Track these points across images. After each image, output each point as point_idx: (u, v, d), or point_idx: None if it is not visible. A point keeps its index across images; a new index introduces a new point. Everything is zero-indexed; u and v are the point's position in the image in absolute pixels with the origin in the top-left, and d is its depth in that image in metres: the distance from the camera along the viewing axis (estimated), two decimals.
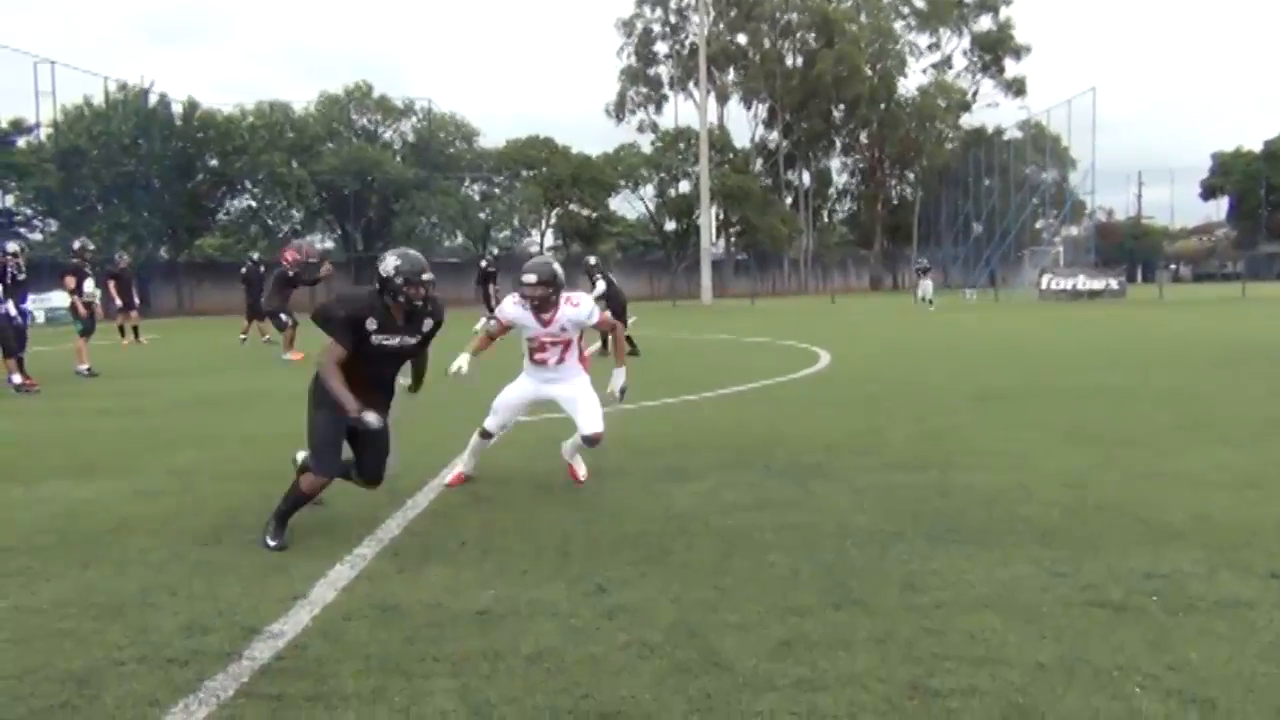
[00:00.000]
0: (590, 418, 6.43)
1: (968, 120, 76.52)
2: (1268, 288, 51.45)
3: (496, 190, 58.74)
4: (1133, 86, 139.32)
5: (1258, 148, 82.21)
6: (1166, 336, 20.78)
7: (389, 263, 5.31)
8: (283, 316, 18.00)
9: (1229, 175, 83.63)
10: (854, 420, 9.53)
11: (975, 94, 76.12)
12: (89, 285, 15.69)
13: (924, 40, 74.83)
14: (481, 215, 56.22)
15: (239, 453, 8.33)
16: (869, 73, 71.47)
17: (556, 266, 6.39)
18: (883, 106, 73.14)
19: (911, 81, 75.55)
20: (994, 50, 74.09)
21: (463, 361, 6.39)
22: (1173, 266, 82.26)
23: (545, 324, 6.37)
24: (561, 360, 6.51)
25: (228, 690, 3.57)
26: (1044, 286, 43.31)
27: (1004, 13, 73.05)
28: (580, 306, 6.39)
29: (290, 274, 18.15)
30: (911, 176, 78.83)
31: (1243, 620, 4.09)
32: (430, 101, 55.71)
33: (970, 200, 66.14)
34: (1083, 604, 4.32)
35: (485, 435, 6.73)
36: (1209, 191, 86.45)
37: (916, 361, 15.97)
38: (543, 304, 6.30)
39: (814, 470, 7.15)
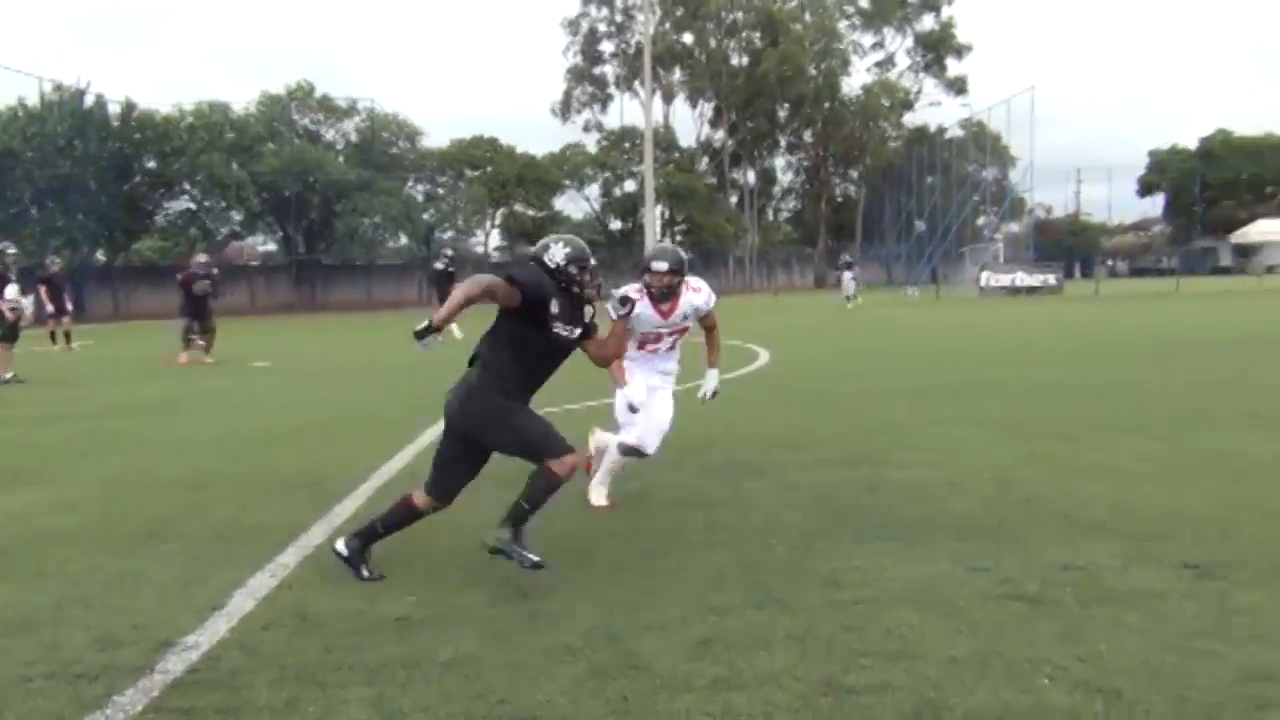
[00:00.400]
0: (652, 435, 6.10)
1: (911, 119, 77.34)
2: (1201, 282, 52.56)
3: (440, 190, 58.33)
4: (1072, 85, 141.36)
5: (1193, 145, 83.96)
6: (1101, 331, 21.14)
7: (556, 251, 4.83)
8: (184, 321, 18.40)
9: (1165, 172, 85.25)
10: (791, 418, 9.59)
11: (918, 93, 76.91)
12: (11, 290, 15.34)
13: (868, 40, 75.50)
14: (425, 216, 55.77)
15: (164, 460, 8.19)
16: (813, 72, 71.89)
17: (683, 253, 6.05)
18: (827, 105, 73.63)
19: (855, 80, 76.12)
20: (936, 50, 74.86)
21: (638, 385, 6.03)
22: (1110, 262, 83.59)
23: (665, 315, 5.98)
24: (672, 347, 6.20)
25: (136, 705, 3.50)
26: (984, 283, 43.88)
27: (946, 12, 73.92)
28: (700, 291, 6.03)
29: (179, 278, 18.58)
30: (855, 175, 79.50)
31: (1153, 611, 4.16)
32: (373, 101, 54.98)
33: (913, 198, 66.80)
34: (1000, 598, 4.37)
35: (630, 452, 6.17)
36: (1145, 188, 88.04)
37: (856, 358, 16.11)
38: (668, 293, 5.90)
39: (747, 469, 7.18)
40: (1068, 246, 74.62)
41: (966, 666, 3.65)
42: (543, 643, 3.99)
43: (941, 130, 72.61)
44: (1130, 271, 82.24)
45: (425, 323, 4.52)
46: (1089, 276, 63.12)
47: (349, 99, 54.13)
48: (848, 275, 37.62)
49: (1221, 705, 3.30)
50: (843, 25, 74.15)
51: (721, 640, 3.96)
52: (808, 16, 72.24)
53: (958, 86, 74.27)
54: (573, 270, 4.82)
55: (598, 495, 6.28)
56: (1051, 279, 43.53)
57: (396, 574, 4.86)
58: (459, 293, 4.51)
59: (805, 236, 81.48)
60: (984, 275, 44.55)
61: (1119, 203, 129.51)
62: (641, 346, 6.13)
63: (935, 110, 75.07)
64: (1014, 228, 68.72)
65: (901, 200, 68.48)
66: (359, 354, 20.38)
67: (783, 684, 3.55)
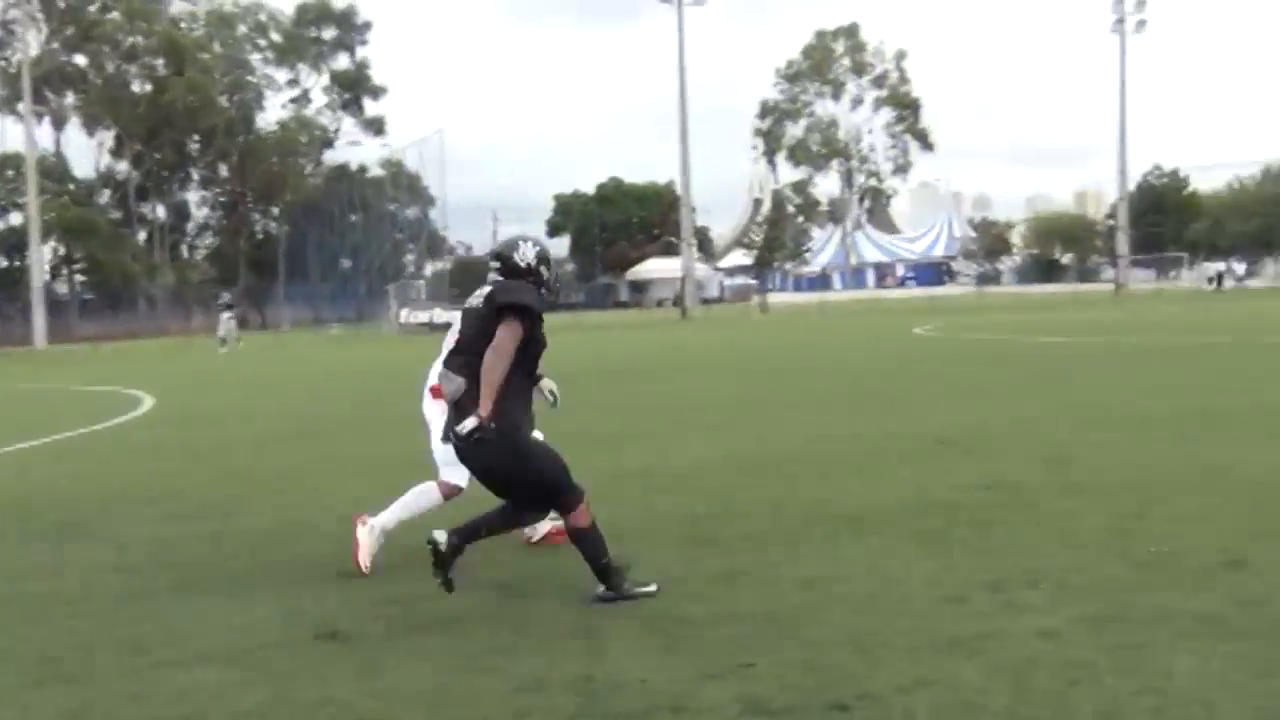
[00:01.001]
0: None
1: (332, 156, 77.00)
2: (602, 315, 57.87)
3: None
4: (488, 130, 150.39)
5: (591, 190, 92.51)
6: None
7: (528, 250, 4.70)
8: None
9: (569, 215, 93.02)
10: (149, 468, 8.96)
11: (337, 131, 76.75)
12: None
13: (283, 75, 74.02)
14: None
15: None
16: (225, 104, 69.17)
17: None
18: (241, 139, 71.11)
19: (272, 115, 74.30)
20: (353, 89, 75.30)
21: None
22: None
23: None
24: None
25: None
26: (403, 320, 44.80)
27: (361, 53, 74.63)
28: None
29: None
30: (277, 211, 77.53)
31: (455, 634, 4.31)
32: None
33: (337, 236, 66.62)
34: (310, 640, 4.30)
35: (453, 493, 5.56)
36: (553, 229, 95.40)
37: (245, 401, 15.58)
38: None
39: (78, 530, 6.54)
40: None
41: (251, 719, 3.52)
42: None
43: (363, 169, 73.25)
44: None
45: (472, 423, 4.27)
46: None
47: None
48: (226, 316, 35.25)
49: (488, 718, 3.47)
50: (256, 58, 72.11)
51: None
52: (217, 46, 69.38)
53: (376, 127, 75.29)
54: (544, 270, 4.69)
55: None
56: None
57: None
58: (494, 374, 4.32)
59: (224, 275, 77.79)
60: (404, 312, 45.49)
61: None
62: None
63: (357, 149, 75.36)
64: (438, 266, 71.05)
65: (326, 238, 68.00)
66: None
67: None
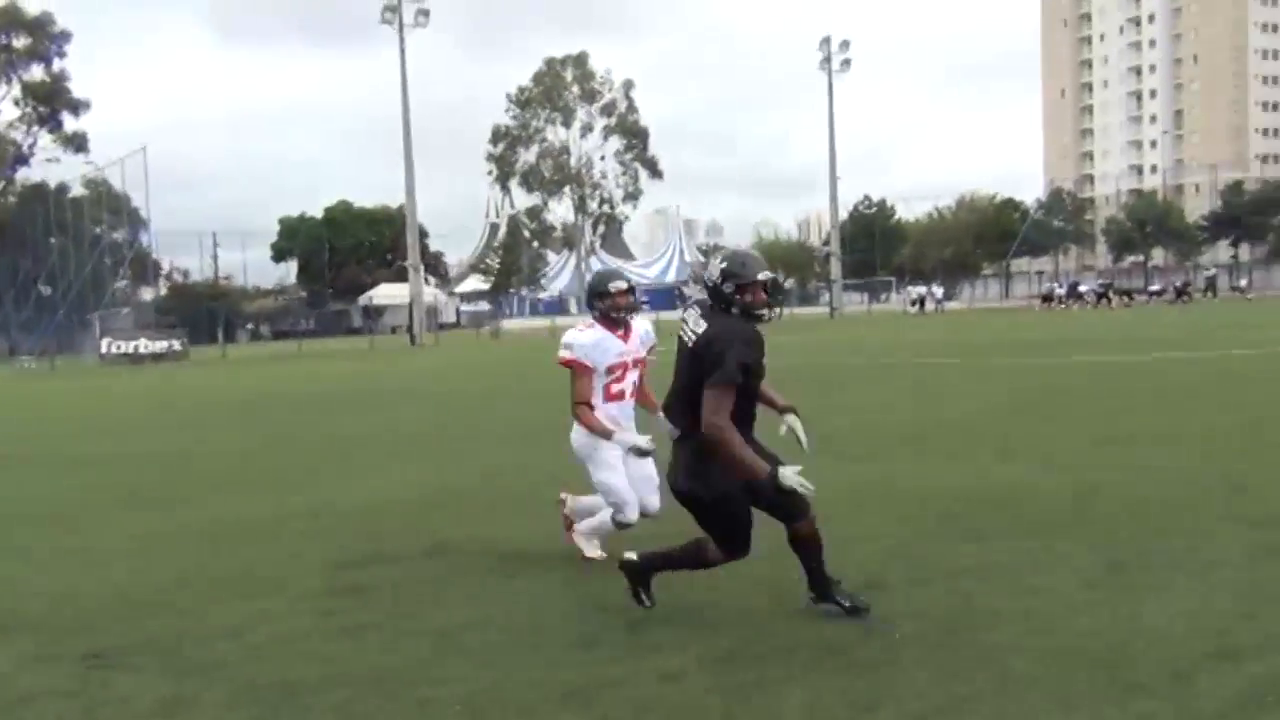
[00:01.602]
0: (649, 494, 5.41)
1: (28, 174, 70.77)
2: (331, 343, 55.72)
3: None
4: (211, 151, 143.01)
5: (319, 214, 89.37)
6: (189, 397, 20.95)
7: (713, 269, 4.25)
8: None
9: (295, 238, 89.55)
10: None
11: (33, 147, 70.61)
12: None
13: None
14: None
15: None
16: None
17: None
18: None
19: None
20: (50, 103, 69.53)
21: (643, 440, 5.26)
22: (252, 325, 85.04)
23: (624, 338, 5.41)
24: (634, 388, 5.49)
25: None
26: (105, 350, 41.56)
27: (59, 64, 68.96)
28: (641, 317, 5.59)
29: None
30: None
31: (35, 715, 3.73)
32: None
33: (31, 259, 61.29)
34: None
35: (625, 527, 5.36)
36: (279, 254, 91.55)
37: None
38: (624, 316, 5.41)
39: None
40: (210, 310, 74.33)
41: None
42: None
43: (63, 188, 67.70)
44: (273, 334, 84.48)
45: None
46: (233, 340, 63.44)
47: None
48: None
49: None
50: None
51: None
52: None
53: (78, 143, 69.76)
54: (728, 289, 4.19)
55: (591, 548, 5.57)
56: (176, 344, 42.79)
57: None
58: (727, 449, 4.11)
59: None
60: (105, 342, 42.23)
61: (257, 268, 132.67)
62: (607, 397, 5.41)
63: (56, 167, 69.33)
64: (154, 292, 66.66)
65: (20, 262, 62.45)
66: None
67: None
